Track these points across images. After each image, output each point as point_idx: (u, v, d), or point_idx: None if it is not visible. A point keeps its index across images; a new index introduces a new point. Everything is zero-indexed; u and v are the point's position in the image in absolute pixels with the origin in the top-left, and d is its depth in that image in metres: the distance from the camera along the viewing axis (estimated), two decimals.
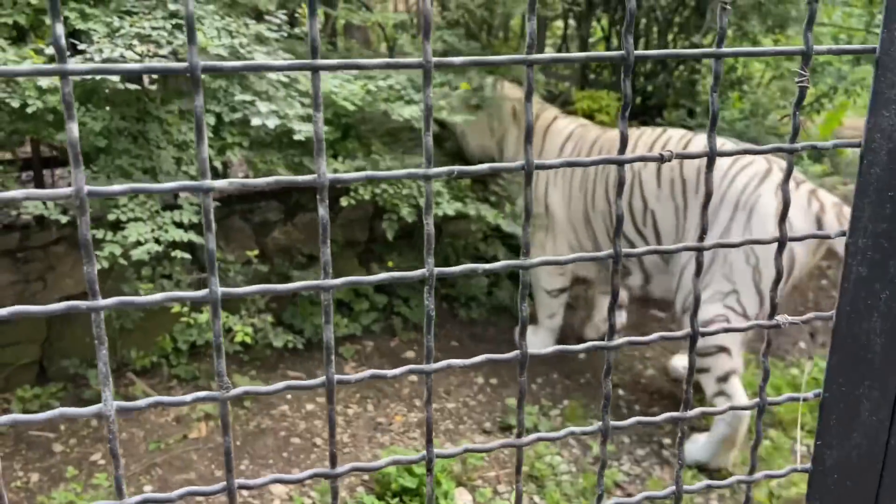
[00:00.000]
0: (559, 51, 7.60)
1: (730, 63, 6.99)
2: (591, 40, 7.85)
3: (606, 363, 0.91)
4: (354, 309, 5.67)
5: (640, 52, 0.81)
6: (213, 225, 0.71)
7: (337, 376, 0.80)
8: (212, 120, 3.88)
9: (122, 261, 3.79)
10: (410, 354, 5.41)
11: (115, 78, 3.64)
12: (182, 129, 4.33)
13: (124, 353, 5.04)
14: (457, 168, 0.79)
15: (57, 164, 5.55)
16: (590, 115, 7.24)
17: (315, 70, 0.67)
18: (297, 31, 4.73)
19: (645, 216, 4.45)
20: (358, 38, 7.59)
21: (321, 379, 0.81)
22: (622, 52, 0.81)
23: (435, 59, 0.71)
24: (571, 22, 6.90)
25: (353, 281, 0.77)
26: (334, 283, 0.75)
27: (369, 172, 0.71)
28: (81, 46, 3.63)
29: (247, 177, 5.17)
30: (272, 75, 3.97)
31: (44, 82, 3.58)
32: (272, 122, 3.69)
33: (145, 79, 4.83)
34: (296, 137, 3.68)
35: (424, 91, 0.70)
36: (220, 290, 0.72)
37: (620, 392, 5.13)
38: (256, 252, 5.24)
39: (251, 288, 0.74)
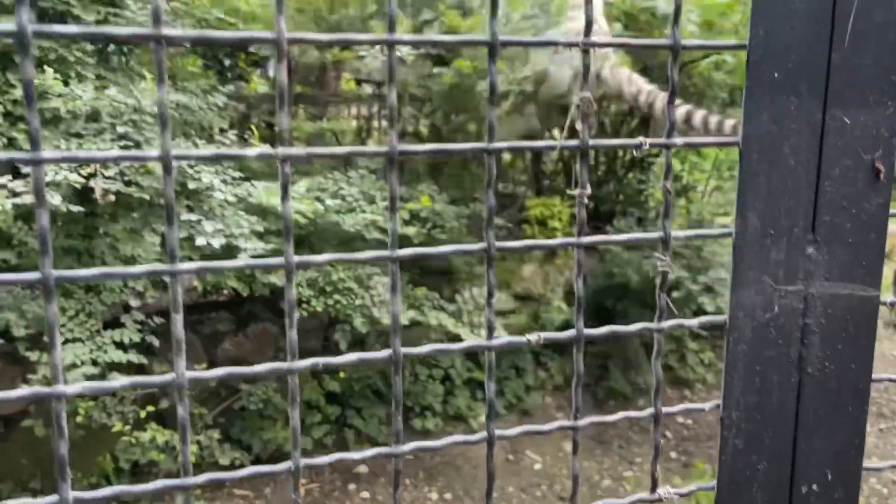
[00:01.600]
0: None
1: (676, 169, 7.25)
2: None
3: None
4: (306, 422, 5.54)
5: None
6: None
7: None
8: (157, 240, 3.87)
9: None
10: (363, 469, 5.27)
11: (57, 200, 3.63)
12: (129, 245, 4.31)
13: None
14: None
15: None
16: (543, 222, 7.39)
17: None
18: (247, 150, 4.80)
19: None
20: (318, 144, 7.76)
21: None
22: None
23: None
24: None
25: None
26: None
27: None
28: (25, 169, 3.64)
29: (196, 290, 5.15)
30: (219, 194, 3.99)
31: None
32: (217, 242, 3.69)
33: (98, 193, 4.84)
34: (241, 257, 3.68)
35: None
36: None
37: None
38: (205, 365, 5.14)
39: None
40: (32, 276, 0.64)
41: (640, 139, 0.89)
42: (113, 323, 4.23)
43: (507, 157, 7.74)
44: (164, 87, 0.64)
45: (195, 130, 4.29)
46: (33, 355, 3.79)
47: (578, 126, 0.88)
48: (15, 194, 3.31)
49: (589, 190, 0.84)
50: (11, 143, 4.10)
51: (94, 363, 3.72)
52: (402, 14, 6.00)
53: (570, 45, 0.83)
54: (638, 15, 5.86)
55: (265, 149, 0.77)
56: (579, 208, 0.82)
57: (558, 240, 0.86)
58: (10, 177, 3.43)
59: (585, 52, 0.80)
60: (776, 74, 0.94)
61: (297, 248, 5.36)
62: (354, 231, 4.79)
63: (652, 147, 0.92)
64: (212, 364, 5.49)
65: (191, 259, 4.58)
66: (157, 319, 4.50)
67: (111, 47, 4.99)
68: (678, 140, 0.91)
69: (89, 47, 4.57)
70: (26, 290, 4.12)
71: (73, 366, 3.67)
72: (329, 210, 4.74)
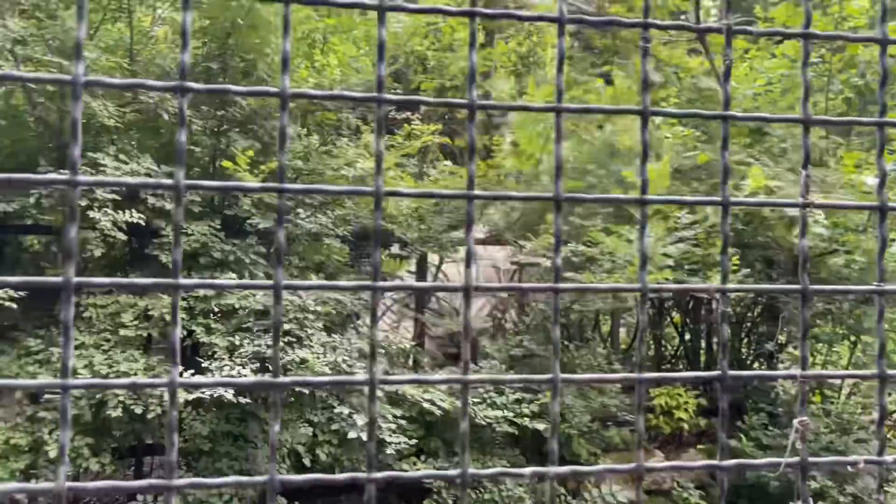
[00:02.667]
0: (632, 346, 7.85)
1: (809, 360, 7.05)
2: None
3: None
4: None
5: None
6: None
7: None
8: (309, 431, 4.15)
9: None
10: None
11: (230, 393, 4.01)
12: (284, 437, 4.62)
13: None
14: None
15: (155, 453, 5.88)
16: (668, 412, 7.27)
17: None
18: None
19: None
20: None
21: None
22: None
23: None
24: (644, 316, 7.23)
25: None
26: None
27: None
28: (205, 364, 4.08)
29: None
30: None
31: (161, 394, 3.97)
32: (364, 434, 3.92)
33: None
34: (388, 451, 3.88)
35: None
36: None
37: None
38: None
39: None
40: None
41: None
42: None
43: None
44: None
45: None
46: None
47: (798, 445, 1.01)
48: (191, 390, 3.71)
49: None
50: (190, 335, 4.60)
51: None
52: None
53: None
54: None
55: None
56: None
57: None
58: (192, 371, 3.85)
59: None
60: None
61: (429, 436, 5.53)
62: (485, 423, 4.93)
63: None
64: None
65: (329, 444, 4.82)
66: None
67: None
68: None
69: (262, 250, 5.18)
70: (189, 473, 4.44)
71: None
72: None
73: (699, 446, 7.05)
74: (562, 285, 0.78)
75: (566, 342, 6.72)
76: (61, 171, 4.83)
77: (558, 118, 0.78)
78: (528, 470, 0.80)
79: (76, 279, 0.73)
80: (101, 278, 0.79)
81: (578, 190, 6.56)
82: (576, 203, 0.86)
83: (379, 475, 0.82)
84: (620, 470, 0.84)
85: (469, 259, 0.81)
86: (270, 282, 0.75)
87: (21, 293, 4.39)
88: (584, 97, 7.22)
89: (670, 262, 5.82)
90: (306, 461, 5.32)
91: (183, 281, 0.75)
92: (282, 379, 0.79)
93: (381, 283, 0.78)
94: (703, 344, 7.97)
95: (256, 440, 4.81)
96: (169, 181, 0.74)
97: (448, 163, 7.95)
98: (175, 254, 0.73)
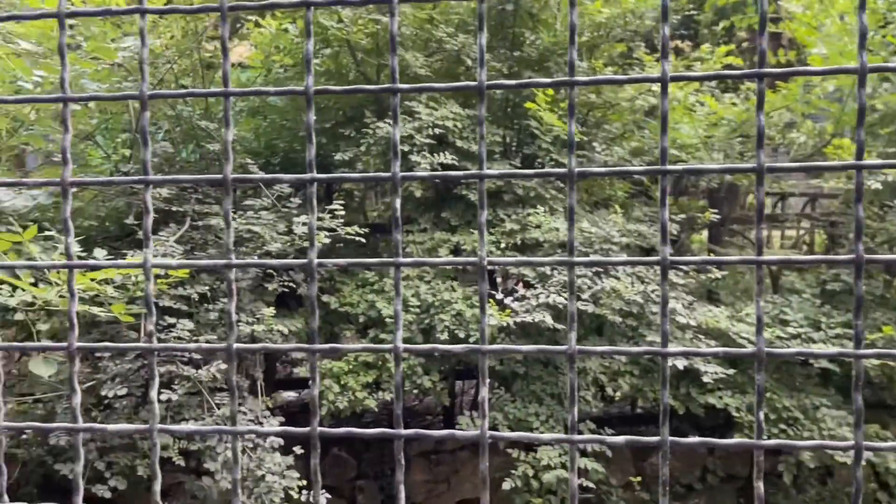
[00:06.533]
0: None
1: None
2: None
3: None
4: None
5: None
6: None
7: None
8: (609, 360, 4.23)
9: (533, 481, 4.16)
10: None
11: (549, 318, 4.22)
12: (588, 364, 4.78)
13: None
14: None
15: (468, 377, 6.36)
16: None
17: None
18: None
19: None
20: None
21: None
22: None
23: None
24: None
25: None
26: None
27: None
28: (522, 292, 4.33)
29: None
30: (680, 318, 4.22)
31: None
32: (681, 364, 3.90)
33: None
34: (704, 379, 3.83)
35: None
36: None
37: None
38: (639, 478, 5.33)
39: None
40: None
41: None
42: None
43: None
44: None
45: None
46: (514, 452, 4.32)
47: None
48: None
49: None
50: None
51: (564, 466, 4.11)
52: None
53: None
54: None
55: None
56: None
57: None
58: (512, 298, 4.10)
59: None
60: None
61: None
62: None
63: None
64: (640, 475, 5.63)
65: (631, 374, 4.88)
66: None
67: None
68: None
69: (560, 184, 5.32)
70: (506, 394, 4.79)
71: (549, 467, 4.10)
72: None
73: None
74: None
75: None
76: (385, 120, 5.36)
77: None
78: None
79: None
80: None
81: None
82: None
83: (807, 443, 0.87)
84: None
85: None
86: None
87: (363, 230, 5.01)
88: None
89: None
90: (609, 390, 5.46)
91: (402, 260, 0.80)
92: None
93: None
94: None
95: (561, 368, 5.01)
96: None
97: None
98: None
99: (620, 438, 0.85)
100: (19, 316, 3.39)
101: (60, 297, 3.05)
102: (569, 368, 0.77)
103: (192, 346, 0.93)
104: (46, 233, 3.64)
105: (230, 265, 0.82)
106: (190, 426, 2.19)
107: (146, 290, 0.83)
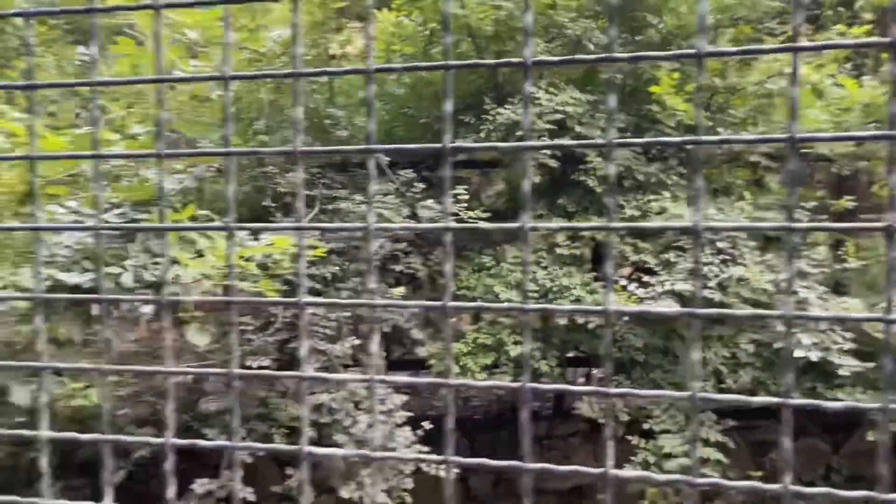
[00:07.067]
0: None
1: None
2: None
3: None
4: None
5: None
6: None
7: None
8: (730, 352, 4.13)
9: (654, 467, 4.14)
10: None
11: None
12: (708, 355, 4.69)
13: None
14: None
15: (586, 364, 6.38)
16: None
17: None
18: None
19: None
20: None
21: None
22: None
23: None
24: None
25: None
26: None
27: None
28: (645, 278, 4.30)
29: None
30: (815, 310, 4.09)
31: None
32: (814, 355, 3.79)
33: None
34: (841, 372, 3.70)
35: None
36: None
37: None
38: (761, 473, 5.19)
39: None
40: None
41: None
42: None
43: None
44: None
45: None
46: (633, 439, 4.31)
47: None
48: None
49: None
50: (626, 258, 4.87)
51: (686, 455, 4.08)
52: None
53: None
54: None
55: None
56: None
57: None
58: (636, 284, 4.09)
59: None
60: None
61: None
62: None
63: None
64: (760, 469, 5.48)
65: (752, 366, 4.74)
66: None
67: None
68: None
69: (682, 171, 5.22)
70: (625, 380, 4.77)
71: (669, 455, 4.08)
72: None
73: None
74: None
75: None
76: (506, 105, 5.41)
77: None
78: None
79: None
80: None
81: None
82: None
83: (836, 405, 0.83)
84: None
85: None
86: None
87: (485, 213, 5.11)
88: None
89: None
90: (729, 382, 5.34)
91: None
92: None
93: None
94: None
95: (683, 357, 4.94)
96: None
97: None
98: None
99: (839, 404, 0.88)
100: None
101: (213, 269, 3.30)
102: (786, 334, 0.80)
103: (411, 303, 1.02)
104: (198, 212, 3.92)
105: (448, 228, 0.91)
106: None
107: (367, 250, 0.93)
